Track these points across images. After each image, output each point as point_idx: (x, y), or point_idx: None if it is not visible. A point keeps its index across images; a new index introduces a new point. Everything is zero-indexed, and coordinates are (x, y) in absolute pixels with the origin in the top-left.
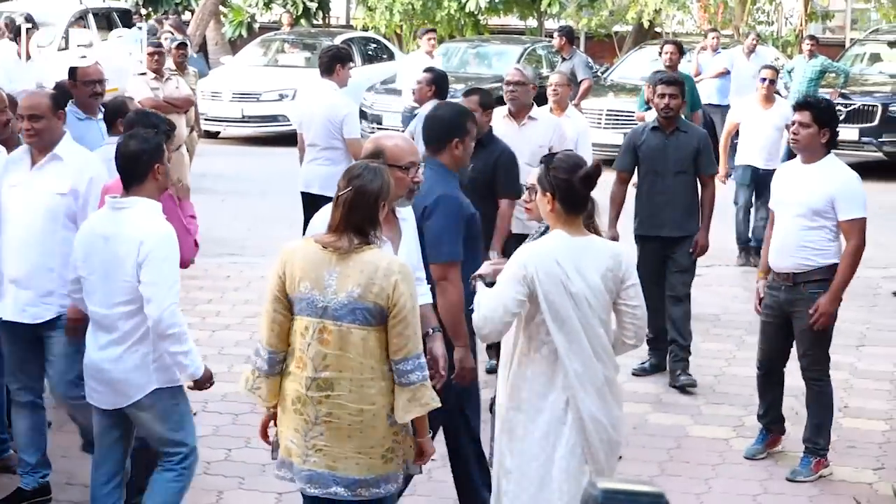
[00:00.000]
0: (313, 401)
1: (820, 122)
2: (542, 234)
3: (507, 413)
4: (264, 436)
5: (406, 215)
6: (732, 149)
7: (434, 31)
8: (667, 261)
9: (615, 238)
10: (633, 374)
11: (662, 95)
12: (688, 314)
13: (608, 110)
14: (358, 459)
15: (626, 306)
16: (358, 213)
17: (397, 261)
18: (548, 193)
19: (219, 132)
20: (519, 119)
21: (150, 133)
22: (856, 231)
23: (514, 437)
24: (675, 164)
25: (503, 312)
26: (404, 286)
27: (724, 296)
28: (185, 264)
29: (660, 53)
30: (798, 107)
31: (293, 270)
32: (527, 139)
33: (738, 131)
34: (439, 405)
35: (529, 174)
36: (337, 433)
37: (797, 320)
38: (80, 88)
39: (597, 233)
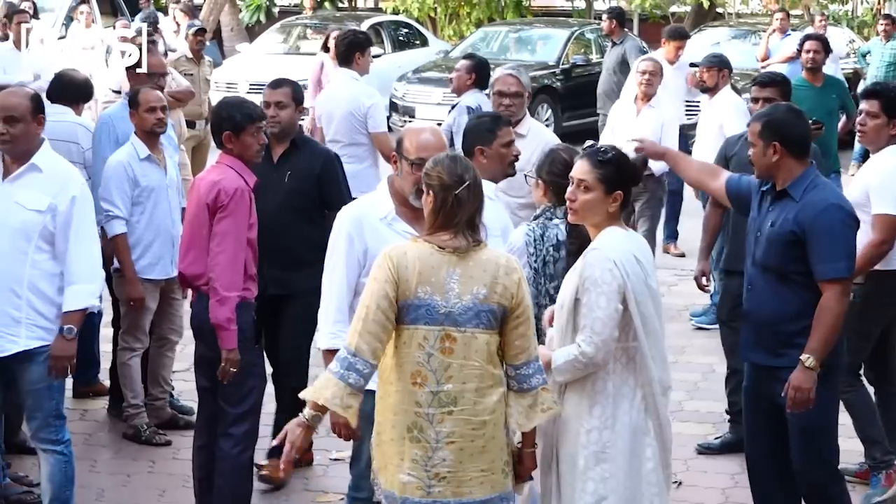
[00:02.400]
0: (434, 419)
1: (890, 111)
2: (544, 220)
3: (589, 436)
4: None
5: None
6: None
7: (683, 36)
8: None
9: (704, 273)
10: (699, 453)
11: (756, 100)
12: None
13: None
14: (482, 478)
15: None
16: (473, 207)
17: (513, 257)
18: (618, 192)
19: None
20: None
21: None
22: (882, 227)
23: (605, 458)
24: None
25: (612, 329)
26: (525, 284)
27: None
28: None
29: (799, 52)
30: (866, 95)
31: (408, 275)
32: None
33: None
34: (560, 410)
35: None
36: (461, 454)
37: None
38: (142, 79)
39: None
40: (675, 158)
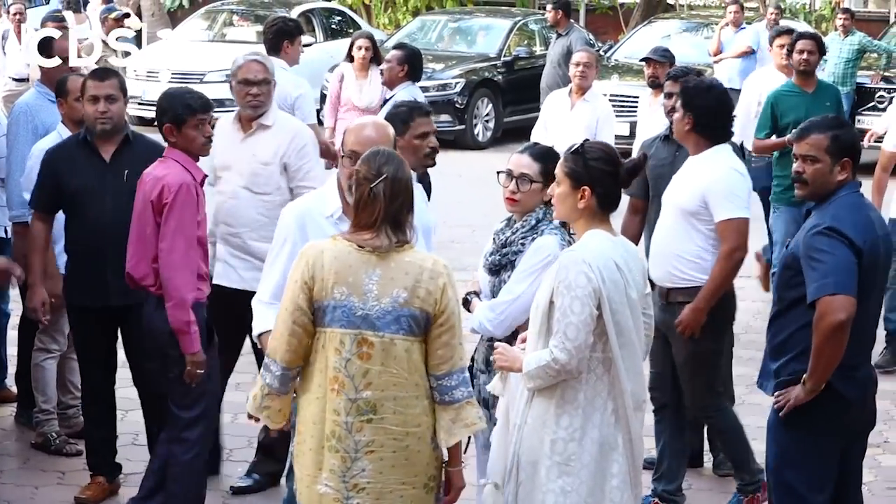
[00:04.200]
0: (352, 428)
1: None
2: (532, 227)
3: (553, 446)
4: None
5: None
6: None
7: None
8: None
9: None
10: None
11: (669, 95)
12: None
13: (612, 95)
14: (402, 491)
15: (645, 315)
16: (395, 203)
17: (441, 261)
18: (584, 188)
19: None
20: (247, 128)
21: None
22: (730, 233)
23: (568, 472)
24: None
25: (585, 335)
26: (451, 290)
27: (745, 311)
28: None
29: (789, 52)
30: (673, 77)
31: (324, 274)
32: (248, 155)
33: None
34: (485, 426)
35: (511, 160)
36: (381, 464)
37: (673, 345)
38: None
39: None
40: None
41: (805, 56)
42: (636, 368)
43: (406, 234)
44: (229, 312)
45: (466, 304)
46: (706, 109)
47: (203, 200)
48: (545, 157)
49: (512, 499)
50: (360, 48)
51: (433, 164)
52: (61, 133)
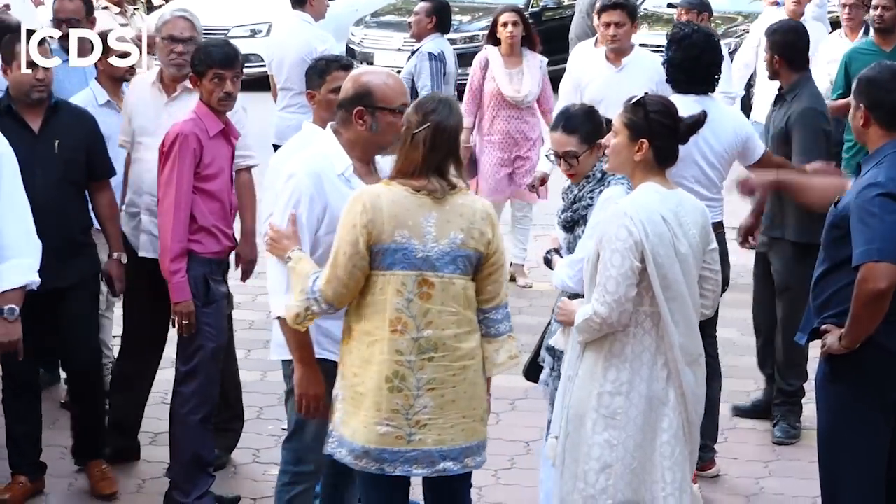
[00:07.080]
0: (415, 366)
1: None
2: (598, 183)
3: (600, 399)
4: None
5: (385, 166)
6: None
7: None
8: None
9: (751, 232)
10: (734, 415)
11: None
12: (792, 349)
13: (640, 45)
14: (464, 425)
15: (709, 271)
16: (438, 153)
17: (487, 202)
18: (642, 140)
19: None
20: (171, 90)
21: None
22: None
23: (615, 425)
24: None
25: (626, 288)
26: (498, 230)
27: None
28: None
29: (867, 7)
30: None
31: (382, 218)
32: (172, 121)
33: None
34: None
35: (551, 140)
36: (441, 400)
37: None
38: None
39: None
40: (792, 186)
41: (879, 11)
42: (688, 322)
43: (451, 180)
44: (157, 284)
45: (548, 262)
46: (670, 61)
47: (224, 153)
48: (573, 123)
49: (561, 450)
50: (505, 24)
51: None
52: (93, 88)
